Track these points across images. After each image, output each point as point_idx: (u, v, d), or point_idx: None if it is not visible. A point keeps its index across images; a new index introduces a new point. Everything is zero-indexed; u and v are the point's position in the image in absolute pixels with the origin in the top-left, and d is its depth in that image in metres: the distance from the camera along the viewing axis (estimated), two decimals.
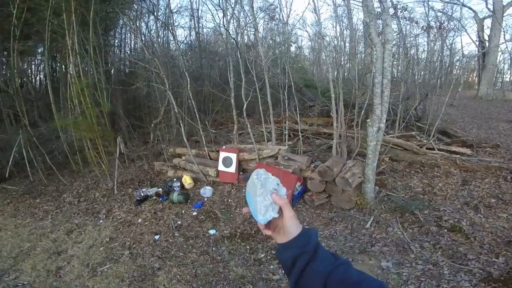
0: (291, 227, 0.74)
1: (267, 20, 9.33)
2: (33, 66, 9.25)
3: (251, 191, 0.80)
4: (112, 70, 8.28)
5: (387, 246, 3.20)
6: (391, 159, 5.39)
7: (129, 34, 9.20)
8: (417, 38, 9.49)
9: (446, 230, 3.34)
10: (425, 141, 6.09)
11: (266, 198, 0.76)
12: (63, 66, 7.49)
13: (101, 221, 4.36)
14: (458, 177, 4.56)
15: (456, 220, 3.52)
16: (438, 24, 8.10)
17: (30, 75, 9.06)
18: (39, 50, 8.03)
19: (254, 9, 6.00)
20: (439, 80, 8.24)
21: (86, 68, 6.07)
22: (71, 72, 5.32)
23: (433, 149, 5.69)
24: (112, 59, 8.13)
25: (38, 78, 9.61)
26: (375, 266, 2.90)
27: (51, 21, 5.35)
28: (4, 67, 7.41)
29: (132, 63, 7.73)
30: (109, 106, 5.75)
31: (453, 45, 10.92)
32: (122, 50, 9.58)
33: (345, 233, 3.57)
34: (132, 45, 9.58)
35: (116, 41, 9.30)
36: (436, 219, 3.59)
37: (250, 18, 5.98)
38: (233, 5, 6.07)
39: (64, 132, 5.70)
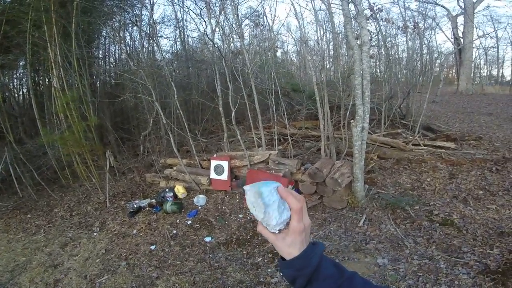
0: (290, 247, 0.66)
1: (252, 26, 9.39)
2: (15, 80, 9.05)
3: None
4: (98, 83, 8.21)
5: (382, 243, 3.26)
6: (379, 157, 5.50)
7: (113, 45, 9.12)
8: (396, 38, 9.71)
9: (438, 224, 3.41)
10: (410, 137, 6.23)
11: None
12: (47, 79, 7.36)
13: (95, 233, 4.33)
14: (445, 171, 4.68)
15: (446, 213, 3.60)
16: (413, 24, 8.32)
17: (12, 89, 8.85)
18: (21, 63, 7.84)
19: (239, 16, 6.04)
20: (420, 77, 8.46)
21: (70, 81, 6.00)
22: (55, 86, 5.26)
23: (419, 145, 5.83)
24: (97, 71, 8.05)
25: (21, 92, 9.40)
26: (371, 264, 2.94)
27: (31, 34, 5.28)
28: None
29: (118, 74, 7.68)
30: (96, 119, 5.68)
31: (430, 43, 11.23)
32: (107, 61, 9.47)
33: (339, 232, 3.62)
34: (117, 56, 9.50)
35: (100, 52, 9.19)
36: (427, 213, 3.66)
37: (235, 27, 6.03)
38: (217, 14, 6.10)
39: (52, 148, 5.62)
